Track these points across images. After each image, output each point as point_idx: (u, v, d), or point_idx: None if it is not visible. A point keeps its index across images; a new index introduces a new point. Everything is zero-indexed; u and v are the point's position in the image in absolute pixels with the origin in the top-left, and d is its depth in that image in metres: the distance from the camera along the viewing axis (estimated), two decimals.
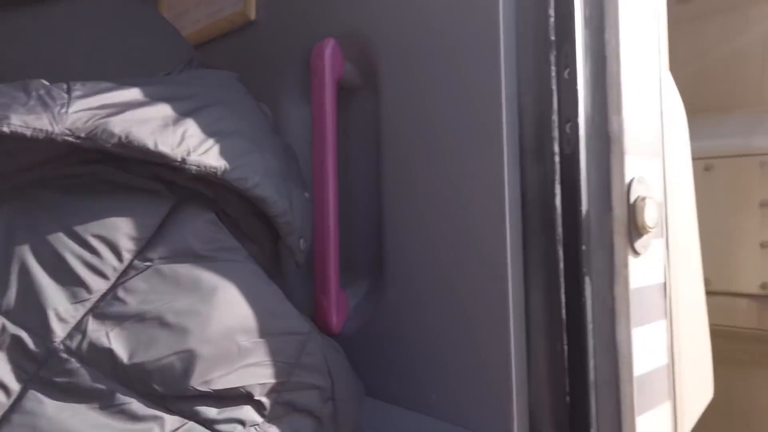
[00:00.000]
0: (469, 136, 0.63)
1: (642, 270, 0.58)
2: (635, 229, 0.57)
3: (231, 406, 0.51)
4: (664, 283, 0.61)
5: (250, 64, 0.89)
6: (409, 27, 0.69)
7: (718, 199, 1.27)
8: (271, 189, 0.58)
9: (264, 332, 0.53)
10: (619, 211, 0.57)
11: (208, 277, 0.51)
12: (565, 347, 0.57)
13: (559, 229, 0.58)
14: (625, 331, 0.56)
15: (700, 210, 1.30)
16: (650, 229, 0.57)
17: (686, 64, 1.44)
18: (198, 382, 0.49)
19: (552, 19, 0.59)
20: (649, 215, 0.57)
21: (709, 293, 1.27)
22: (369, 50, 0.74)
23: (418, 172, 0.68)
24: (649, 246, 0.59)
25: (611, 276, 0.57)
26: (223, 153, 0.54)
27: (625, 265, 0.56)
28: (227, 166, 0.54)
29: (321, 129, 0.76)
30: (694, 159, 1.31)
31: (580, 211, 0.56)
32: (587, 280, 0.56)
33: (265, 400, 0.52)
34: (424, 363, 0.67)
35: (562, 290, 0.58)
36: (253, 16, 0.90)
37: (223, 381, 0.50)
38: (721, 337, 1.34)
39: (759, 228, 1.19)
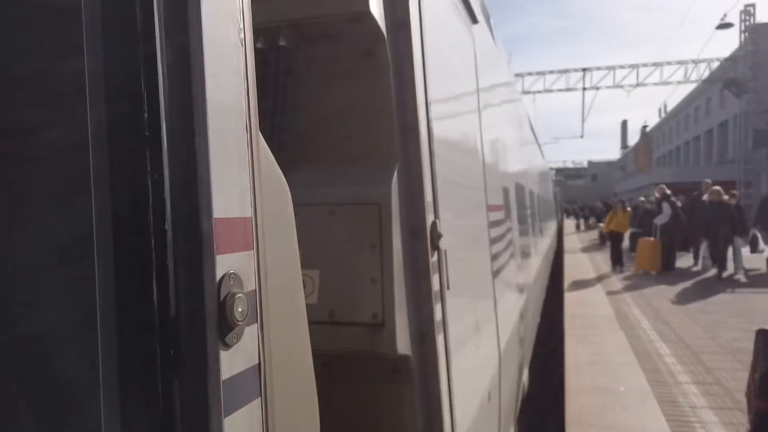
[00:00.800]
0: (55, 233, 0.59)
1: (234, 359, 0.63)
2: (226, 324, 0.62)
3: None
4: (259, 364, 0.68)
5: None
6: None
7: (341, 240, 1.48)
8: None
9: None
10: (210, 309, 0.61)
11: None
12: None
13: (157, 329, 0.59)
14: (216, 422, 0.60)
15: (327, 251, 1.49)
16: (239, 322, 0.63)
17: (308, 118, 1.62)
18: None
19: (146, 116, 0.60)
20: (239, 309, 0.62)
21: (336, 324, 1.48)
22: None
23: None
24: (242, 335, 0.65)
25: (204, 371, 0.60)
26: None
27: (217, 360, 0.61)
28: None
29: None
30: (320, 204, 1.50)
31: (170, 314, 0.58)
32: (176, 382, 0.58)
33: None
34: None
35: (160, 390, 0.59)
36: None
37: None
38: (346, 360, 1.58)
39: (369, 266, 1.44)
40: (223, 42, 0.65)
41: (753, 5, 31.93)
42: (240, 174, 0.68)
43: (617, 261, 13.28)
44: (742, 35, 31.88)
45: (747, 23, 31.74)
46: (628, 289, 10.53)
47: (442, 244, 1.66)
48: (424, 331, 1.54)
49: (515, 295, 3.67)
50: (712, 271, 11.61)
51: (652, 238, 12.53)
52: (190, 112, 0.61)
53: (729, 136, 38.74)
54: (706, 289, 10.02)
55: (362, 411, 1.52)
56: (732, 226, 11.37)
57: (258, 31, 1.59)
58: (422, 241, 1.56)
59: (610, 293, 10.08)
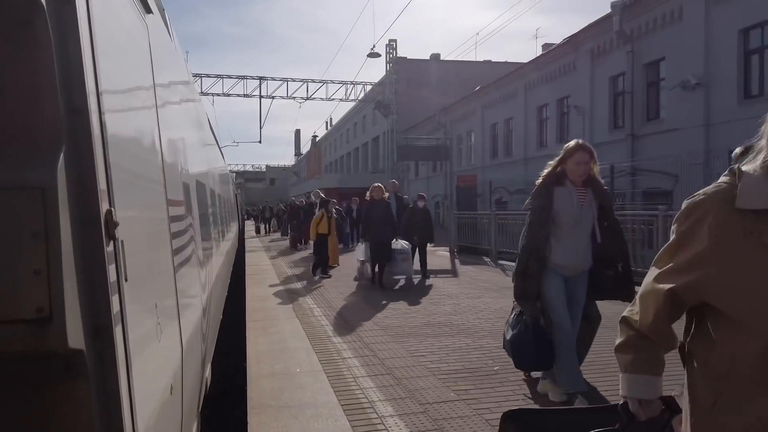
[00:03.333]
0: None
1: None
2: None
3: None
4: None
5: None
6: None
7: None
8: None
9: None
10: None
11: None
12: None
13: None
14: None
15: None
16: None
17: None
18: None
19: None
20: None
21: None
22: None
23: None
24: None
25: None
26: None
27: None
28: None
29: None
30: None
31: None
32: None
33: None
34: None
35: None
36: None
37: None
38: (7, 363, 1.38)
39: (32, 256, 1.30)
40: None
41: (395, 40, 38.63)
42: None
43: (321, 265, 12.35)
44: (388, 65, 38.20)
45: (391, 55, 38.18)
46: (303, 282, 11.50)
47: (119, 234, 1.61)
48: (100, 324, 1.47)
49: (198, 290, 3.68)
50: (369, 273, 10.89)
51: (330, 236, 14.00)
52: None
53: (380, 150, 45.85)
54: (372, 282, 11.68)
55: (33, 416, 1.37)
56: (392, 227, 10.48)
57: None
58: (96, 230, 1.48)
59: (288, 287, 10.84)
